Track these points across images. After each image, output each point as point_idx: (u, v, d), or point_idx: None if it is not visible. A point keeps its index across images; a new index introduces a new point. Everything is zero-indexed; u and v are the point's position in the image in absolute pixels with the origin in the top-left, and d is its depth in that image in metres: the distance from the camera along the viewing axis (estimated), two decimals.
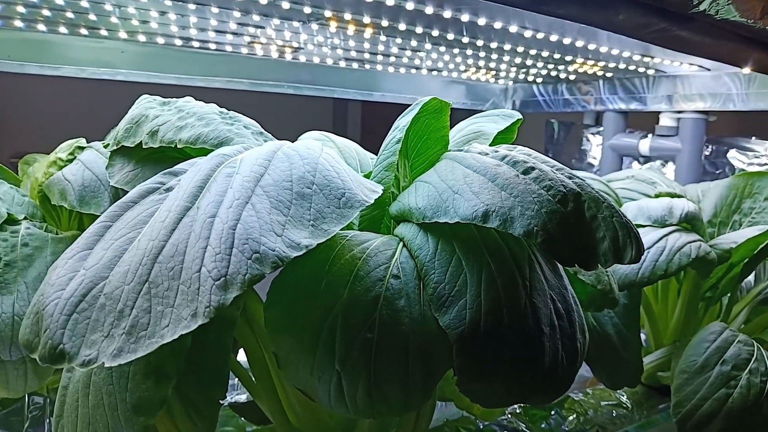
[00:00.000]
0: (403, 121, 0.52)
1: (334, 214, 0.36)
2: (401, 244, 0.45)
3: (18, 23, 0.81)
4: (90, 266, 0.34)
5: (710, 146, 1.30)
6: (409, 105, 1.36)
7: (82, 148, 0.67)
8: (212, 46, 0.97)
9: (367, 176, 0.59)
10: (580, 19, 0.48)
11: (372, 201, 0.38)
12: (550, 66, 1.10)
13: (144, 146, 0.48)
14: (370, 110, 2.63)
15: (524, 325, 0.43)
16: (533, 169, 0.44)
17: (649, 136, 1.25)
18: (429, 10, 0.66)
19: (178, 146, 0.46)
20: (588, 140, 1.55)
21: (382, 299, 0.41)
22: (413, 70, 1.21)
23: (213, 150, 0.47)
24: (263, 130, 0.51)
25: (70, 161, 0.67)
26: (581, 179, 0.46)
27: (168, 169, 0.40)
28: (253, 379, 0.53)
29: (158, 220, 0.35)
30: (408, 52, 0.99)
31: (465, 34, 0.79)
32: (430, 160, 0.57)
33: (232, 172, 0.37)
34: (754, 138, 1.24)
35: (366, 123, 2.69)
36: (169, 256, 0.33)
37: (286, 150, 0.39)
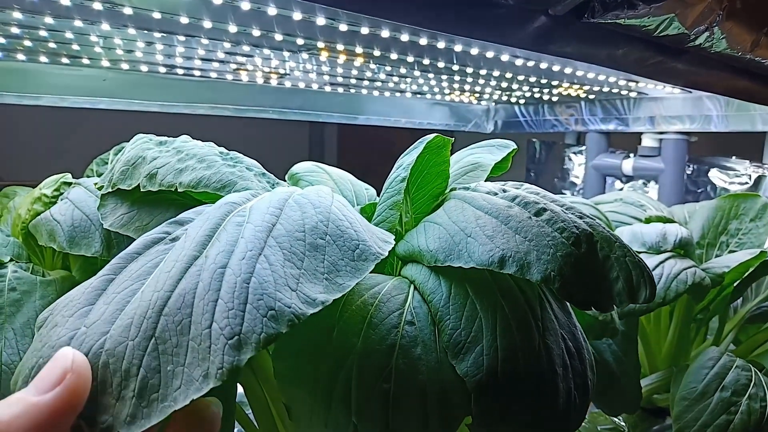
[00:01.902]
0: (407, 159, 0.51)
1: (349, 267, 0.35)
2: (412, 287, 0.44)
3: None
4: (91, 323, 0.32)
5: (692, 166, 1.32)
6: (394, 128, 1.35)
7: (68, 184, 0.65)
8: (197, 73, 0.95)
9: (364, 210, 0.59)
10: (587, 57, 0.48)
11: (386, 253, 0.37)
12: (534, 89, 1.11)
13: (142, 189, 0.46)
14: (346, 132, 2.63)
15: (539, 368, 0.42)
16: (545, 210, 0.43)
17: (632, 156, 1.27)
18: (423, 41, 0.66)
19: (179, 190, 0.45)
20: (570, 159, 1.57)
21: (397, 348, 0.40)
22: (397, 93, 1.20)
23: (215, 194, 0.46)
24: (265, 171, 0.49)
25: (56, 198, 0.64)
26: (591, 218, 0.45)
27: (173, 219, 0.39)
28: (256, 424, 0.52)
29: (164, 270, 0.33)
30: (395, 78, 0.99)
31: (455, 62, 0.79)
32: (430, 194, 0.57)
33: (242, 221, 0.36)
34: (734, 157, 1.27)
35: (342, 145, 2.68)
36: (176, 308, 0.31)
37: (297, 198, 0.38)
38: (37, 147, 2.13)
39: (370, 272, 0.47)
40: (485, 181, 0.62)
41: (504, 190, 0.47)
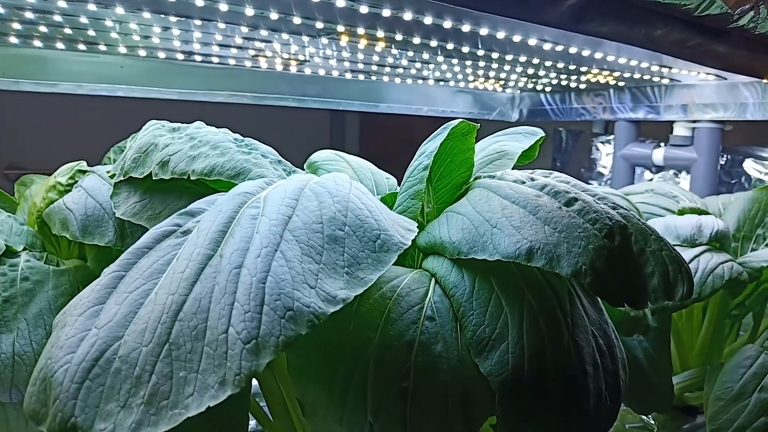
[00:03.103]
0: (430, 147, 0.48)
1: (370, 259, 0.33)
2: (433, 280, 0.42)
3: (13, 39, 0.78)
4: (103, 324, 0.30)
5: (725, 156, 1.27)
6: (415, 116, 1.32)
7: (83, 172, 0.64)
8: (215, 60, 0.94)
9: (385, 199, 0.56)
10: (624, 37, 0.45)
11: (409, 243, 0.35)
12: (561, 76, 1.08)
13: (154, 177, 0.45)
14: (367, 120, 2.60)
15: (568, 367, 0.40)
16: (576, 200, 0.41)
17: (663, 145, 1.23)
18: (447, 24, 0.63)
19: (191, 178, 0.43)
20: (597, 149, 1.52)
21: (416, 344, 0.38)
22: (420, 81, 1.18)
23: (229, 182, 0.44)
24: (281, 158, 0.47)
25: (71, 186, 0.63)
26: (625, 209, 0.43)
27: (184, 209, 0.37)
28: (271, 417, 0.50)
29: (177, 270, 0.32)
30: (417, 64, 0.97)
31: (480, 47, 0.76)
32: (453, 182, 0.54)
33: (256, 213, 0.34)
34: None
35: (364, 133, 2.66)
36: (192, 313, 0.29)
37: (313, 187, 0.36)
38: (56, 135, 2.15)
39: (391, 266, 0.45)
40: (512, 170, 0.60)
41: (532, 179, 0.45)
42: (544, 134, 0.62)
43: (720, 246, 0.72)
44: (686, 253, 0.66)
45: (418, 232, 0.48)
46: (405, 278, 0.42)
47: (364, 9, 0.58)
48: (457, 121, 0.48)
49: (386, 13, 0.59)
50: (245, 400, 0.44)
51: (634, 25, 0.45)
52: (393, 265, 0.45)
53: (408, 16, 0.60)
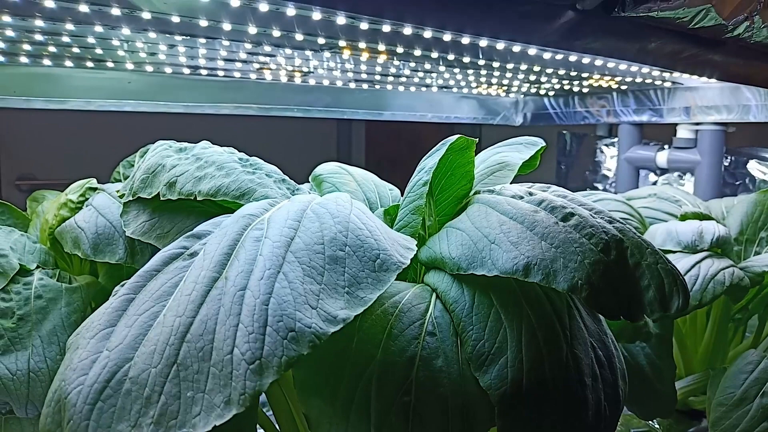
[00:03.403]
0: (429, 162, 0.50)
1: (370, 278, 0.34)
2: (434, 295, 0.43)
3: (23, 59, 0.80)
4: (114, 347, 0.32)
5: (729, 157, 1.28)
6: (420, 123, 1.33)
7: (93, 190, 0.65)
8: (221, 73, 0.95)
9: (388, 211, 0.58)
10: (617, 53, 0.46)
11: (408, 261, 0.36)
12: (564, 81, 1.08)
13: (162, 198, 0.46)
14: (374, 127, 2.62)
15: (567, 379, 0.41)
16: (573, 215, 0.42)
17: (666, 148, 1.23)
18: (447, 37, 0.64)
19: (198, 198, 0.44)
20: (602, 152, 1.53)
21: (418, 359, 0.39)
22: (423, 88, 1.19)
23: (235, 202, 0.45)
24: (285, 177, 0.49)
25: (81, 203, 0.65)
26: (621, 223, 0.44)
27: (190, 232, 0.38)
28: (278, 427, 0.51)
29: (184, 293, 0.33)
30: (420, 73, 0.98)
31: (481, 57, 0.77)
32: (455, 195, 0.55)
33: (260, 235, 0.35)
34: None
35: (370, 140, 2.67)
36: (198, 334, 0.31)
37: (315, 207, 0.37)
38: (66, 147, 2.17)
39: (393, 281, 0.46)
40: (513, 180, 0.60)
41: (530, 193, 0.46)
42: (545, 144, 0.63)
43: (722, 251, 0.72)
44: (688, 260, 0.67)
45: (420, 247, 0.49)
46: (407, 294, 0.43)
47: (364, 25, 0.59)
48: (456, 136, 0.49)
49: (386, 28, 0.60)
50: (253, 414, 0.45)
51: (627, 40, 0.46)
52: (396, 279, 0.46)
53: (408, 30, 0.61)
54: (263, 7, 0.54)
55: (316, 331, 0.30)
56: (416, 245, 0.50)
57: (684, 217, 0.79)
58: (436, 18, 0.41)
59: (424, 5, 0.41)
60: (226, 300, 0.31)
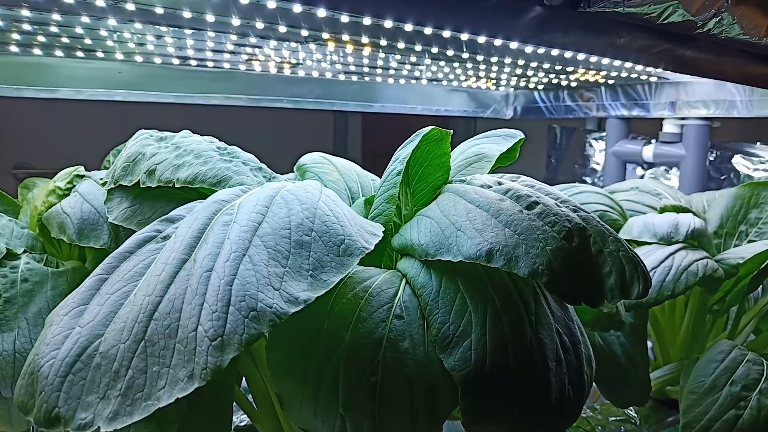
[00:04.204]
0: (403, 153, 0.51)
1: (334, 263, 0.36)
2: (404, 281, 0.44)
3: (13, 48, 0.81)
4: (85, 323, 0.33)
5: (714, 152, 1.29)
6: (411, 115, 1.34)
7: (80, 177, 0.66)
8: (210, 64, 0.96)
9: (368, 201, 0.59)
10: (586, 47, 0.47)
11: (372, 247, 0.38)
12: (550, 75, 1.09)
13: (142, 185, 0.47)
14: (370, 119, 2.63)
15: (530, 362, 0.42)
16: (537, 203, 0.43)
17: (653, 142, 1.24)
18: (428, 30, 0.65)
19: (176, 185, 0.46)
20: (591, 145, 1.54)
21: (385, 341, 0.40)
22: (413, 81, 1.20)
23: (211, 189, 0.46)
24: (261, 165, 0.50)
25: (69, 190, 0.66)
26: (586, 212, 0.45)
27: (164, 216, 0.39)
28: (255, 406, 0.53)
29: (154, 273, 0.34)
30: (407, 66, 0.99)
31: (464, 50, 0.78)
32: (431, 185, 0.56)
33: (229, 220, 0.36)
34: (758, 143, 1.23)
35: (366, 131, 2.68)
36: (166, 312, 0.32)
37: (284, 194, 0.39)
38: (61, 136, 2.19)
39: (367, 265, 0.48)
40: (492, 171, 0.62)
41: (499, 183, 0.47)
42: (523, 136, 0.64)
43: (698, 244, 0.74)
44: (662, 251, 0.68)
45: (394, 234, 0.50)
46: (377, 279, 0.44)
47: (345, 18, 0.60)
48: (429, 128, 0.50)
49: (367, 21, 0.61)
50: (229, 393, 0.46)
51: (596, 35, 0.47)
52: (371, 266, 0.48)
53: (389, 23, 0.62)
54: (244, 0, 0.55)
55: (276, 311, 0.32)
56: (391, 233, 0.51)
57: (663, 210, 0.80)
58: (394, 10, 0.43)
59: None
60: (193, 281, 0.33)
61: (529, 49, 0.74)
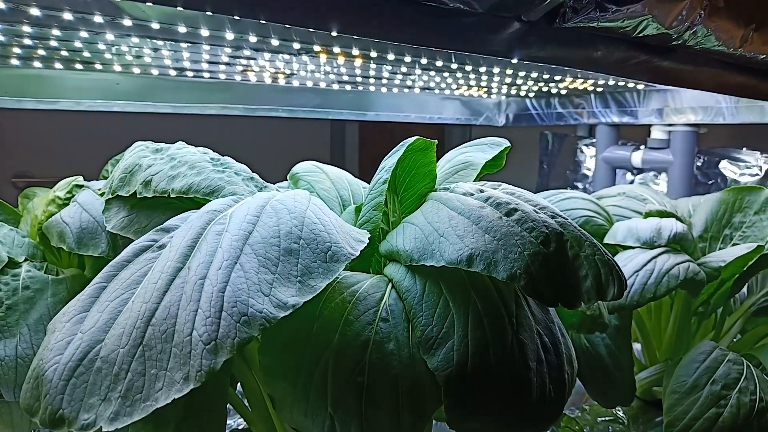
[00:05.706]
0: (389, 162, 0.53)
1: (321, 269, 0.38)
2: (390, 285, 0.46)
3: (14, 61, 0.83)
4: (86, 329, 0.35)
5: (702, 157, 1.31)
6: (408, 123, 1.36)
7: (80, 187, 0.68)
8: (206, 75, 0.98)
9: (358, 209, 0.61)
10: (562, 61, 0.49)
11: (357, 253, 0.40)
12: (540, 83, 1.12)
13: (138, 196, 0.49)
14: (368, 128, 2.66)
15: (511, 362, 0.44)
16: (516, 210, 0.45)
17: (642, 148, 1.26)
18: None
19: (171, 196, 0.48)
20: (582, 152, 1.56)
21: (371, 344, 0.42)
22: (406, 89, 1.22)
23: (205, 198, 0.48)
24: (253, 175, 0.52)
25: (68, 200, 0.68)
26: (564, 218, 0.47)
27: (160, 226, 0.41)
28: (249, 407, 0.55)
29: (151, 281, 0.36)
30: (400, 75, 1.01)
31: (454, 60, 0.80)
32: (418, 193, 0.58)
33: (221, 229, 0.38)
34: (744, 149, 1.26)
35: (364, 139, 2.71)
36: (162, 318, 0.34)
37: (274, 204, 0.41)
38: (60, 146, 2.22)
39: (356, 271, 0.50)
40: (479, 178, 0.64)
41: (481, 191, 0.49)
42: (509, 144, 0.66)
43: (681, 248, 0.76)
44: (645, 255, 0.70)
45: (381, 241, 0.52)
46: (364, 283, 0.46)
47: (334, 32, 0.62)
48: (414, 138, 0.53)
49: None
50: (223, 394, 0.48)
51: (573, 48, 0.49)
52: (360, 271, 0.50)
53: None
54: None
55: (266, 316, 0.34)
56: (378, 239, 0.53)
57: (648, 215, 0.82)
58: (377, 34, 0.45)
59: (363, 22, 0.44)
60: (187, 288, 0.35)
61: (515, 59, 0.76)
